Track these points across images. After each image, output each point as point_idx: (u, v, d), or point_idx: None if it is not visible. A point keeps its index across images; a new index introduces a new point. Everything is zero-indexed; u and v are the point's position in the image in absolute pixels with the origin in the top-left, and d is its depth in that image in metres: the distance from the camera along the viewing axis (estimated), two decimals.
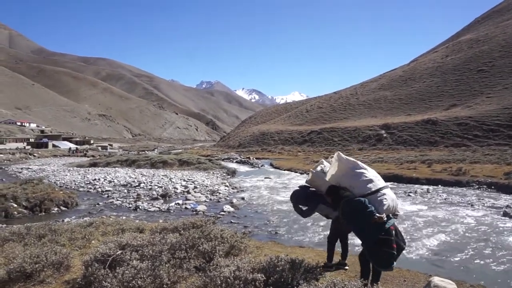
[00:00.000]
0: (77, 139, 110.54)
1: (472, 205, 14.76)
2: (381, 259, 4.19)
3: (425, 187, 19.76)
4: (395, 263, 4.23)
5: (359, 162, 4.74)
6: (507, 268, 7.71)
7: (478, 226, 11.35)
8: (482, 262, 8.11)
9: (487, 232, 10.65)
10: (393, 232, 4.21)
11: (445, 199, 16.29)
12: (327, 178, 4.94)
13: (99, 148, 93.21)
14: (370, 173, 4.55)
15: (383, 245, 4.12)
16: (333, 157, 4.97)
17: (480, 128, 47.26)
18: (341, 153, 4.87)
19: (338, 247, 5.62)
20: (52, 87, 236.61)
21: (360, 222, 4.30)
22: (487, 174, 20.97)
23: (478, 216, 12.79)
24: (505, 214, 12.59)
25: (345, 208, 4.46)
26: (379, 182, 4.45)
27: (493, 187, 18.57)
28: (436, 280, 4.62)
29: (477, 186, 19.08)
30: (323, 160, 5.56)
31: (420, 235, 10.33)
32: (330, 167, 4.96)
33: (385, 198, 4.25)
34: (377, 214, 4.11)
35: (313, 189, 5.38)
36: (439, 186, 20.12)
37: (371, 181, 4.41)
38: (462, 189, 18.99)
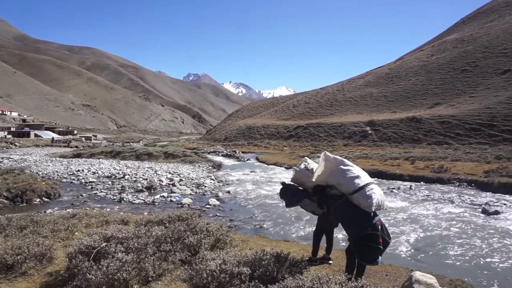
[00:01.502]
0: (60, 129, 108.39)
1: (452, 201, 15.09)
2: (367, 254, 4.27)
3: (408, 183, 20.11)
4: (380, 258, 4.32)
5: (345, 160, 4.80)
6: (484, 263, 7.94)
7: (458, 222, 11.63)
8: (461, 257, 8.33)
9: (467, 228, 10.92)
10: (379, 227, 4.29)
11: (427, 195, 16.62)
12: (314, 178, 5.00)
13: (83, 138, 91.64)
14: (356, 169, 4.62)
15: (369, 240, 4.20)
16: (319, 156, 5.02)
17: (462, 127, 48.26)
18: (327, 152, 4.93)
19: (323, 242, 5.70)
20: (35, 76, 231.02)
21: (350, 219, 4.38)
22: (468, 172, 21.45)
23: (458, 212, 13.11)
24: (484, 211, 12.93)
25: (340, 212, 4.53)
26: (366, 178, 4.52)
27: (473, 184, 19.02)
28: (417, 274, 4.74)
29: (457, 184, 19.51)
30: (306, 158, 5.65)
31: (402, 230, 10.54)
32: (317, 167, 5.01)
33: (374, 193, 4.32)
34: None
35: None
36: (422, 182, 20.50)
37: (358, 177, 4.47)
38: (444, 186, 19.39)
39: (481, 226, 11.15)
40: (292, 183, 5.56)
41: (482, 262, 7.98)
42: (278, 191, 5.75)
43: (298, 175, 5.43)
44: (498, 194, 16.62)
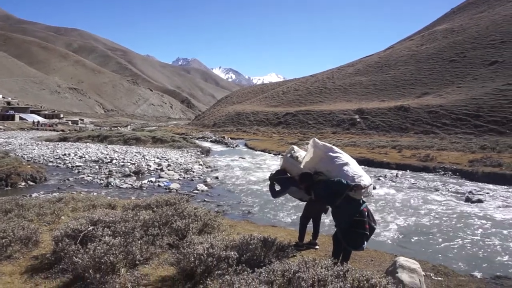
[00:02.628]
0: (46, 112, 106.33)
1: (437, 190, 15.38)
2: (354, 240, 4.34)
3: (394, 171, 20.38)
4: (366, 243, 4.40)
5: (334, 147, 4.83)
6: (466, 249, 8.15)
7: (442, 210, 11.88)
8: (444, 244, 8.54)
9: (450, 216, 11.17)
10: (366, 213, 4.36)
11: (412, 183, 16.89)
12: (302, 165, 5.03)
13: (70, 122, 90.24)
14: (345, 156, 4.66)
15: (356, 227, 4.27)
16: (308, 143, 5.04)
17: (449, 117, 48.89)
18: (316, 139, 4.94)
19: (309, 228, 5.77)
20: (20, 57, 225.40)
21: (337, 203, 4.42)
22: (453, 161, 21.82)
23: (442, 200, 13.37)
24: (467, 199, 13.22)
25: (322, 190, 4.55)
26: (354, 166, 4.56)
27: (457, 173, 19.37)
28: (401, 260, 4.83)
29: (443, 172, 19.85)
30: (293, 146, 5.69)
31: (387, 217, 10.72)
32: (306, 154, 5.04)
33: (362, 180, 4.37)
34: (356, 183, 4.25)
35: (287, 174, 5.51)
36: (408, 171, 20.81)
37: (347, 164, 4.51)
38: (429, 174, 19.72)
39: (464, 214, 11.41)
40: (280, 170, 5.60)
41: (464, 249, 8.19)
42: (267, 177, 5.79)
43: (285, 163, 5.47)
44: (481, 183, 16.99)
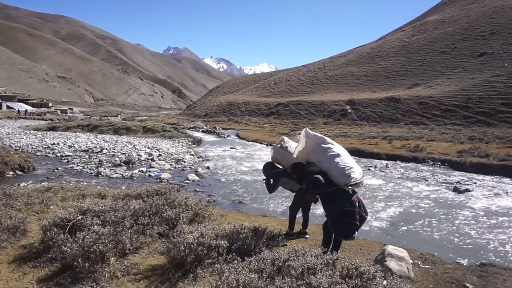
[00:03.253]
0: (34, 101, 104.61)
1: (426, 180, 15.57)
2: (344, 230, 4.37)
3: (384, 162, 20.56)
4: (357, 233, 4.44)
5: (327, 138, 4.82)
6: (454, 238, 8.29)
7: (430, 200, 12.04)
8: (432, 233, 8.67)
9: (438, 205, 11.33)
10: (357, 204, 4.37)
11: (402, 174, 17.07)
12: (295, 154, 5.03)
13: (58, 111, 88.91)
14: (337, 147, 4.64)
15: (347, 217, 4.28)
16: (300, 133, 5.03)
17: (438, 108, 49.28)
18: (308, 129, 4.93)
19: (299, 218, 5.80)
20: (5, 44, 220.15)
21: (327, 195, 4.44)
22: (442, 151, 22.07)
23: (431, 190, 13.56)
24: (455, 189, 13.41)
25: (312, 184, 4.56)
26: (346, 157, 4.55)
27: (446, 164, 19.61)
28: (390, 248, 4.91)
29: (432, 163, 20.09)
30: (284, 137, 5.68)
31: (376, 207, 10.84)
32: (298, 144, 5.03)
33: (353, 172, 4.37)
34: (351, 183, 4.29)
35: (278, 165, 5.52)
36: (398, 161, 21.00)
37: (338, 155, 4.49)
38: (418, 165, 19.93)
39: (452, 204, 11.59)
40: (270, 162, 5.61)
41: (451, 237, 8.34)
42: (259, 168, 5.81)
43: (275, 154, 5.48)
44: (469, 174, 17.22)
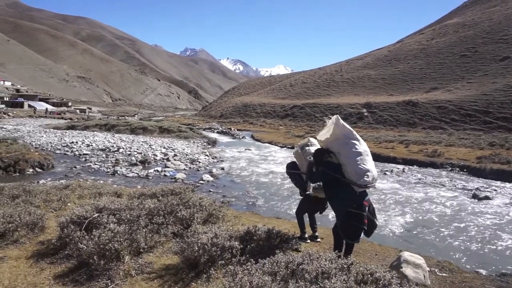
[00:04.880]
0: (55, 100, 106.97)
1: (444, 186, 15.26)
2: (350, 232, 4.30)
3: (401, 166, 20.25)
4: (366, 236, 4.37)
5: (354, 132, 4.56)
6: (472, 246, 8.09)
7: (448, 206, 11.79)
8: (449, 240, 8.48)
9: (456, 212, 11.08)
10: (367, 207, 4.28)
11: (419, 179, 16.77)
12: (318, 137, 4.87)
13: (78, 111, 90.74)
14: (362, 145, 4.45)
15: (355, 220, 4.21)
16: (330, 118, 4.75)
17: (457, 113, 48.28)
18: (339, 117, 4.72)
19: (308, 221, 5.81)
20: (28, 45, 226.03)
21: (334, 190, 4.41)
22: (461, 157, 21.61)
23: (449, 196, 13.27)
24: (474, 196, 13.10)
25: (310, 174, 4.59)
26: (366, 157, 4.38)
27: (465, 170, 19.19)
28: (406, 255, 4.81)
29: (450, 168, 19.68)
30: (310, 138, 5.55)
31: (393, 212, 10.67)
32: (324, 128, 4.82)
33: (367, 175, 4.24)
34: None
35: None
36: (414, 166, 20.66)
37: (360, 154, 4.31)
38: (436, 170, 19.56)
39: (471, 211, 11.31)
40: (294, 161, 5.59)
41: (470, 245, 8.13)
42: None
43: (295, 154, 5.49)
44: (489, 180, 16.81)
